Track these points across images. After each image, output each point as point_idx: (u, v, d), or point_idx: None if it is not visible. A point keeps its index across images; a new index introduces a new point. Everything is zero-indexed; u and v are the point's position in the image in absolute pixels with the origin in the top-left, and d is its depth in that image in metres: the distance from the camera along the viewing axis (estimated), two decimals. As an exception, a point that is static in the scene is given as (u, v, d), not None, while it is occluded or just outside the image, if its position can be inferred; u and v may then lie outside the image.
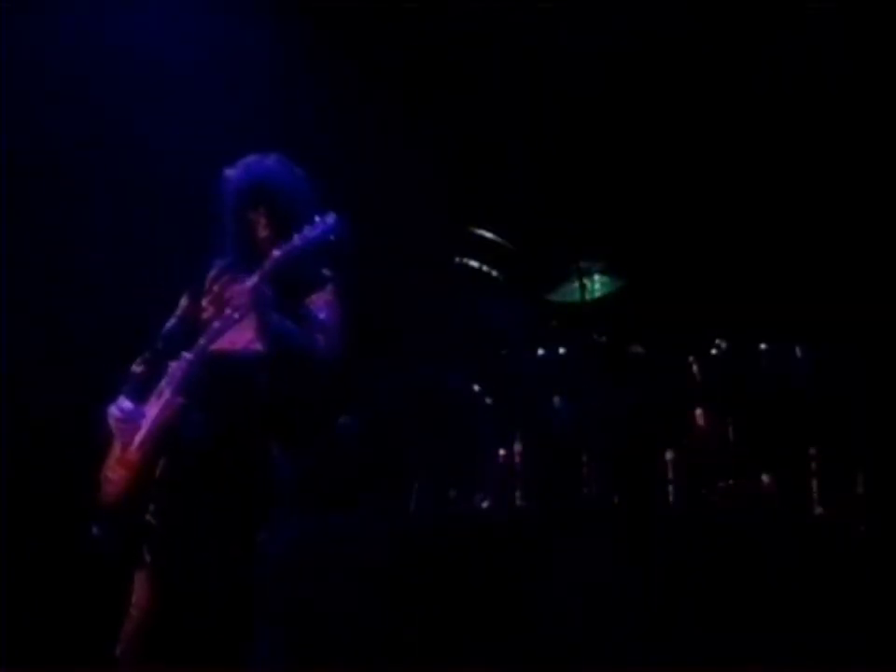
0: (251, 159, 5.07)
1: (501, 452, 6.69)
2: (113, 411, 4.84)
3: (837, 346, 6.44)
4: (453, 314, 7.18)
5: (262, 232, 4.96)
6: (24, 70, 6.86)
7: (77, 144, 6.87)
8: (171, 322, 5.01)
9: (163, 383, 4.83)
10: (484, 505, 6.59)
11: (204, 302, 4.88)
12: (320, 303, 4.91)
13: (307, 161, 5.08)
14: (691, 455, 6.41)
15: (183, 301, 5.02)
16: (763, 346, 6.45)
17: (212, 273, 4.99)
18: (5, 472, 6.51)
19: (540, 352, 6.85)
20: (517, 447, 6.65)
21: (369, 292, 7.15)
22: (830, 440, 6.20)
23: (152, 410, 4.81)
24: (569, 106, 7.43)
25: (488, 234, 6.66)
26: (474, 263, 6.71)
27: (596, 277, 6.97)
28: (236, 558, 4.73)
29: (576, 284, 6.76)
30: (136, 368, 4.95)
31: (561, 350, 6.75)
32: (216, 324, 4.79)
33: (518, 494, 6.52)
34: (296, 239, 4.76)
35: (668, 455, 6.45)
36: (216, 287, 4.87)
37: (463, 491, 6.67)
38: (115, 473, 4.80)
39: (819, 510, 6.10)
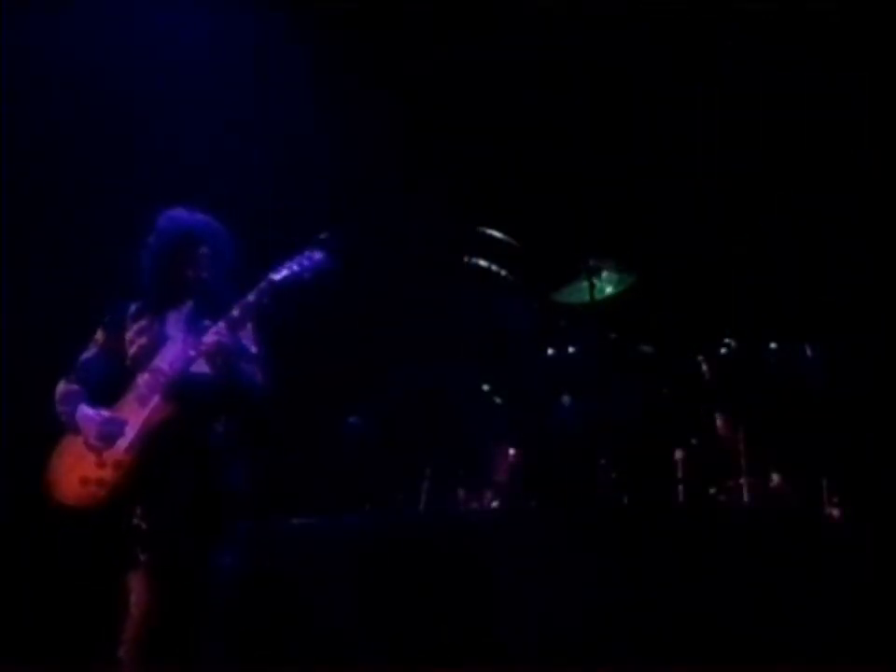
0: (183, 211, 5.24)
1: (511, 451, 6.72)
2: (91, 415, 5.01)
3: (846, 345, 6.45)
4: (462, 313, 7.18)
5: (197, 273, 5.12)
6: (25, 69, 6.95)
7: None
8: (89, 352, 5.18)
9: (135, 394, 5.01)
10: (494, 504, 6.62)
11: (131, 335, 5.11)
12: (248, 339, 5.12)
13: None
14: (700, 454, 6.41)
15: (99, 335, 5.18)
16: (772, 345, 6.46)
17: (132, 311, 5.16)
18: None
19: (550, 351, 6.88)
20: (527, 447, 6.68)
21: (379, 292, 7.23)
22: (840, 439, 6.20)
23: (137, 416, 4.99)
24: (577, 106, 7.45)
25: (497, 234, 6.66)
26: (484, 263, 6.71)
27: (605, 276, 6.96)
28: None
29: (585, 283, 6.76)
30: (71, 385, 5.12)
31: (570, 349, 6.78)
32: (168, 352, 5.04)
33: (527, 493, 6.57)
34: (290, 267, 5.04)
35: (678, 455, 6.46)
36: (142, 323, 5.12)
37: (472, 490, 6.70)
38: (102, 473, 4.95)
39: (828, 509, 6.10)
